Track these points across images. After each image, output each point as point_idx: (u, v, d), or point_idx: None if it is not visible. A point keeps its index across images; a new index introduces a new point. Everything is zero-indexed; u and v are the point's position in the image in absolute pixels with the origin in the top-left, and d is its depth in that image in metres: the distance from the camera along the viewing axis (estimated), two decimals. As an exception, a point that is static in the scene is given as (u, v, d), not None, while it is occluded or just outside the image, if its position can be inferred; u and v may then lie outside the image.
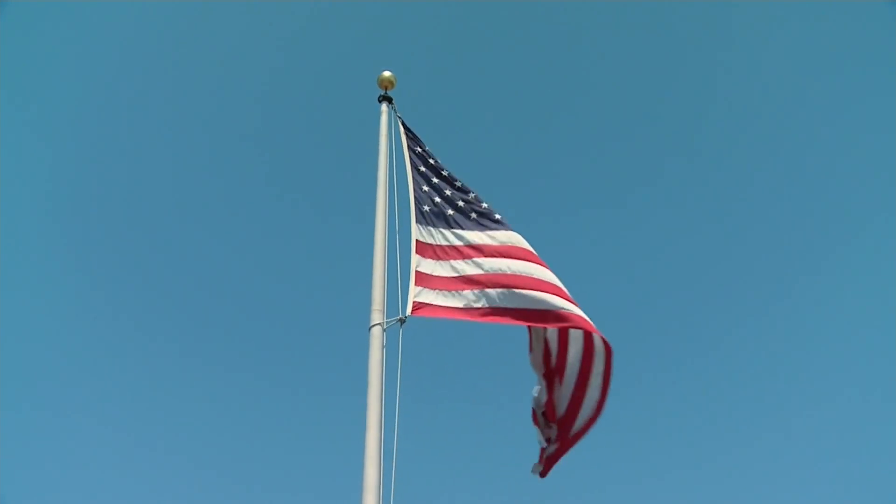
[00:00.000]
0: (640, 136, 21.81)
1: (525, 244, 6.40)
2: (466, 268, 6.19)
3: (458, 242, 6.37)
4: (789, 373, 18.40)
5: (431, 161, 6.95)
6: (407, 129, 7.06)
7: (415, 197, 6.56)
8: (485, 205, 6.71)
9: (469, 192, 6.80)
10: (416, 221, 6.42)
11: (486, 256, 6.26)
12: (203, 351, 18.82)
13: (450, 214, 6.52)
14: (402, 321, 5.69)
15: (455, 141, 18.97)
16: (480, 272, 6.15)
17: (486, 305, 6.02)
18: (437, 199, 6.60)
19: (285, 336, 19.36)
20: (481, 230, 6.45)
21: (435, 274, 6.13)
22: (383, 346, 5.50)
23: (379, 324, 5.60)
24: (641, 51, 21.63)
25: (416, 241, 6.28)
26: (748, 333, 19.29)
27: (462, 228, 6.47)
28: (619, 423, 18.08)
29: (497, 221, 6.55)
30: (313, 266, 20.24)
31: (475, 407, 18.28)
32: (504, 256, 6.24)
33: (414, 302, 5.85)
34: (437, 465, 16.68)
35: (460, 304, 5.99)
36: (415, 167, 6.77)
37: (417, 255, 6.18)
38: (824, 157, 19.90)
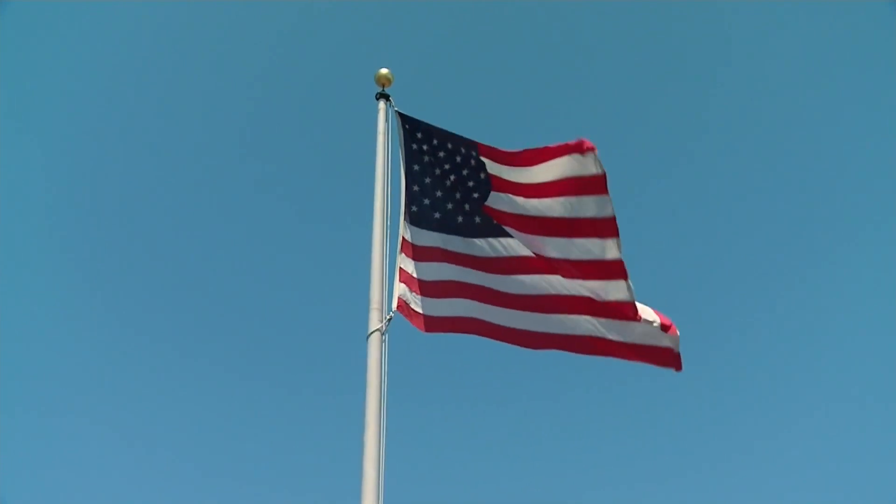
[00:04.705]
0: (639, 136, 21.73)
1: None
2: (450, 273, 6.29)
3: (439, 244, 6.35)
4: (790, 374, 18.34)
5: (435, 154, 6.58)
6: (406, 123, 6.74)
7: (406, 195, 6.44)
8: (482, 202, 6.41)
9: (472, 191, 6.42)
10: (405, 219, 6.37)
11: (471, 267, 6.30)
12: (201, 352, 18.79)
13: (436, 218, 6.42)
14: (388, 319, 5.70)
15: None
16: (467, 282, 6.25)
17: (473, 317, 6.24)
18: (427, 201, 6.47)
19: (283, 336, 19.32)
20: (469, 236, 6.37)
21: (418, 276, 6.19)
22: (382, 352, 5.45)
23: (378, 329, 5.53)
24: (640, 49, 21.54)
25: (402, 238, 6.27)
26: (748, 334, 19.23)
27: (446, 232, 6.40)
28: (620, 424, 18.05)
29: (493, 227, 6.34)
30: (311, 267, 20.20)
31: (471, 407, 18.24)
32: (494, 271, 6.24)
33: (399, 298, 5.93)
34: (432, 466, 16.62)
35: (443, 314, 6.19)
36: (410, 164, 6.58)
37: (402, 254, 6.21)
38: (823, 157, 19.83)
